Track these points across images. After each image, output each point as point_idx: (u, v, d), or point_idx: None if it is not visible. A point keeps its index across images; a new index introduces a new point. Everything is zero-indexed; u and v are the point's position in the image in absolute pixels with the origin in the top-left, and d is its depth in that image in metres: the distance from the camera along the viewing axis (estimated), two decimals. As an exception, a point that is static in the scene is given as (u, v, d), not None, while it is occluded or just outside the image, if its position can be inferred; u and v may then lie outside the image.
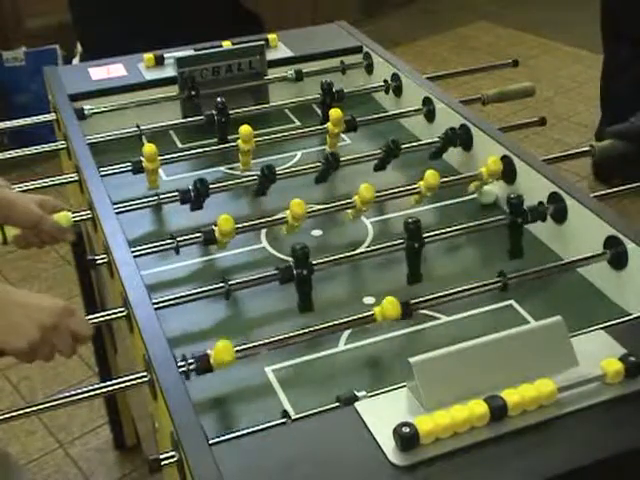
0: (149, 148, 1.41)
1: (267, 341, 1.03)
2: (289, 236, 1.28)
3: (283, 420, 0.93)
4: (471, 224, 1.25)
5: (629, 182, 1.37)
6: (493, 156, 1.36)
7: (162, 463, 0.86)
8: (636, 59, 2.94)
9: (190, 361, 0.99)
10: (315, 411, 0.94)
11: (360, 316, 1.07)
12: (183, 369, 0.98)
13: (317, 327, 1.04)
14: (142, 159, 1.41)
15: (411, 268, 1.20)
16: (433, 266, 1.24)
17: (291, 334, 1.04)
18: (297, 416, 0.95)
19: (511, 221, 1.23)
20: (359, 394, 0.94)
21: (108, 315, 1.09)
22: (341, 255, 1.19)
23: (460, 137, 1.46)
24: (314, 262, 1.14)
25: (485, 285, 1.13)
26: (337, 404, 0.94)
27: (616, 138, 1.42)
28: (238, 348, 1.01)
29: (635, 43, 2.92)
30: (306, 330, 1.03)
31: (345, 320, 1.06)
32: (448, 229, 1.23)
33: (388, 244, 1.20)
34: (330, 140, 1.54)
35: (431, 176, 1.32)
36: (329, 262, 1.17)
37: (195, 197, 1.32)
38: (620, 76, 3.00)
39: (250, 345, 1.02)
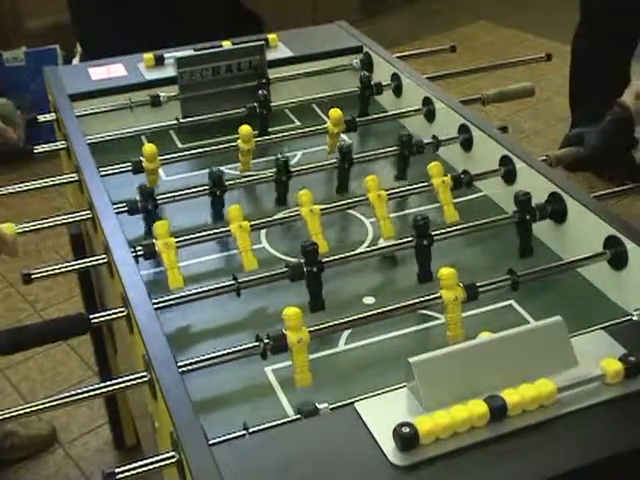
0: (149, 148, 1.41)
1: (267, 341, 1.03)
2: (289, 236, 1.28)
3: (243, 432, 0.92)
4: (478, 222, 1.25)
5: (629, 182, 1.37)
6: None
7: (117, 477, 0.85)
8: (612, 56, 2.96)
9: (266, 341, 1.00)
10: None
11: (360, 316, 1.07)
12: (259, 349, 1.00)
13: (317, 327, 1.04)
14: (142, 159, 1.41)
15: (421, 266, 1.20)
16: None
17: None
18: (295, 417, 0.95)
19: (520, 219, 1.23)
20: (320, 406, 0.94)
21: (108, 315, 1.09)
22: (352, 252, 1.20)
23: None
24: (323, 260, 1.14)
25: (494, 283, 1.12)
26: (298, 415, 0.94)
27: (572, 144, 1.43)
28: (237, 349, 1.01)
29: (613, 40, 2.95)
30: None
31: (345, 320, 1.06)
32: (456, 227, 1.24)
33: (395, 242, 1.20)
34: (330, 140, 1.54)
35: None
36: (338, 260, 1.17)
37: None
38: (598, 72, 3.01)
39: (251, 346, 1.02)
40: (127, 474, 0.85)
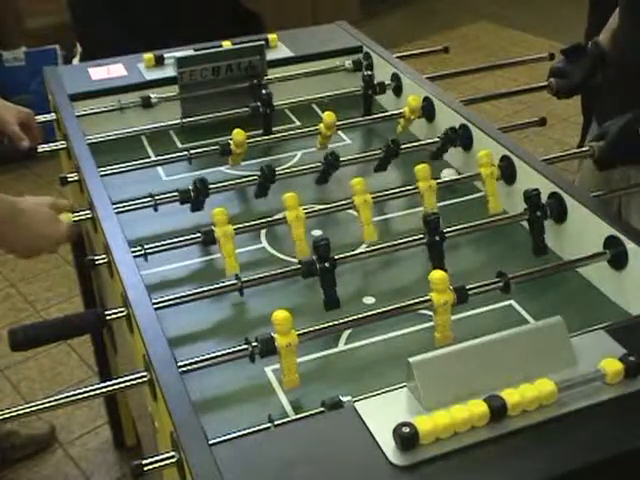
0: (239, 134, 1.44)
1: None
2: (288, 236, 1.28)
3: (268, 425, 0.93)
4: (488, 220, 1.25)
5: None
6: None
7: (145, 468, 0.85)
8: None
9: (255, 344, 0.99)
10: (314, 412, 0.95)
11: (360, 316, 1.07)
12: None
13: (317, 327, 1.04)
14: (230, 142, 1.46)
15: (434, 262, 1.19)
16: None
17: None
18: (296, 417, 0.95)
19: (531, 216, 1.23)
20: (344, 399, 0.94)
21: (109, 315, 1.09)
22: (366, 249, 1.21)
23: (460, 137, 1.46)
24: (336, 257, 1.14)
25: (488, 285, 1.12)
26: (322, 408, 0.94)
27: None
28: (236, 349, 1.01)
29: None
30: (306, 330, 1.03)
31: (345, 320, 1.06)
32: (465, 225, 1.24)
33: (406, 239, 1.20)
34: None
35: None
36: (350, 257, 1.18)
37: (195, 197, 1.32)
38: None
39: (240, 349, 1.02)
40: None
